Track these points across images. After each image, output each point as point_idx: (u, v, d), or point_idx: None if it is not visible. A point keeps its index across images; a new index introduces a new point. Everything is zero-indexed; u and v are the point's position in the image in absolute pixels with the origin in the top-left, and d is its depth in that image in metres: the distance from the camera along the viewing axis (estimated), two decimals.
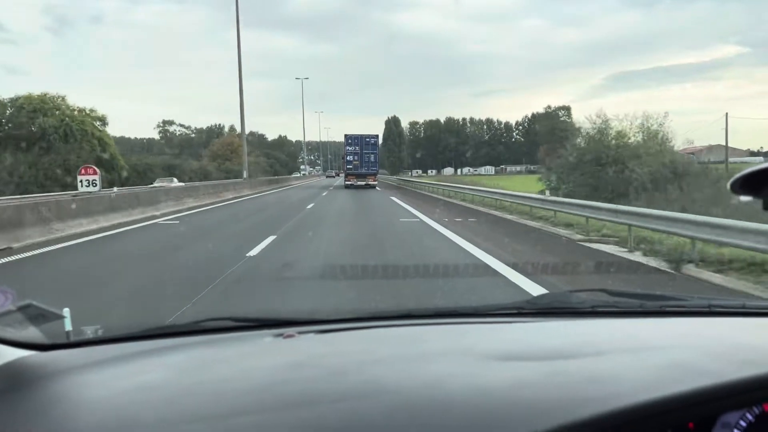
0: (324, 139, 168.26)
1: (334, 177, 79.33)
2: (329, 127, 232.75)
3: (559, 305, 1.57)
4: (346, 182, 39.81)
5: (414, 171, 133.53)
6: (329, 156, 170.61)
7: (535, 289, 6.02)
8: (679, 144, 30.87)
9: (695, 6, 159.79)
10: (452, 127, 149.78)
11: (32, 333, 1.17)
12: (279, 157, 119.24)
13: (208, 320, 1.43)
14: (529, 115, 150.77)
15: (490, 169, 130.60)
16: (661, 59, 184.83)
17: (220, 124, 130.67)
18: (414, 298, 5.82)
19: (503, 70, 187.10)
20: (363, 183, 38.51)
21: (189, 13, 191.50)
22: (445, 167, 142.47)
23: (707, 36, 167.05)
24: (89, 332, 1.32)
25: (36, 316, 1.17)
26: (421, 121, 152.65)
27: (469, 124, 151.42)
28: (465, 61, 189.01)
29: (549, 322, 1.49)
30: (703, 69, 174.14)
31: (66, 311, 1.25)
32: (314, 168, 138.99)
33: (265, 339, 1.32)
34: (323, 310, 3.95)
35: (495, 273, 7.40)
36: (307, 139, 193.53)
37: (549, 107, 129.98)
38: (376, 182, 39.62)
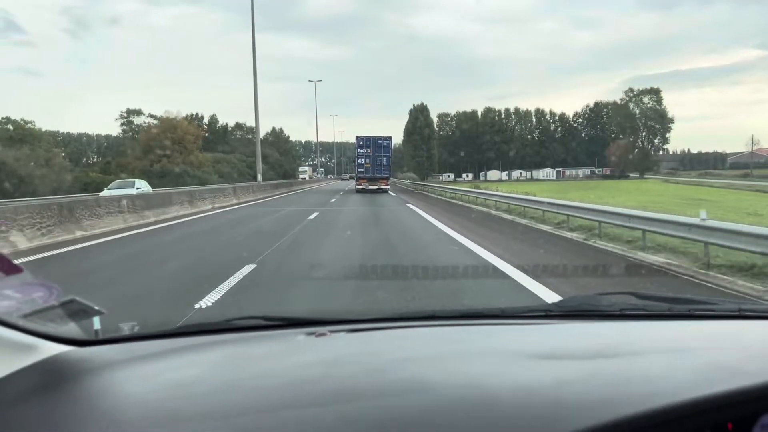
0: (335, 140, 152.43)
1: (348, 180, 68.59)
2: (343, 130, 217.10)
3: (588, 308, 1.55)
4: (357, 186, 36.58)
5: (445, 174, 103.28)
6: (342, 158, 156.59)
7: None
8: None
9: (713, 9, 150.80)
10: (492, 120, 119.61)
11: (73, 328, 1.20)
12: (271, 157, 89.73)
13: (240, 318, 1.44)
14: (591, 104, 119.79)
15: (550, 173, 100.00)
16: (680, 63, 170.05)
17: (197, 114, 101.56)
18: None
19: (518, 74, 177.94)
20: (375, 187, 35.54)
21: (204, 16, 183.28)
22: (485, 170, 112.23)
23: (726, 39, 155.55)
24: (126, 329, 1.36)
25: (77, 311, 1.19)
26: (452, 112, 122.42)
27: (513, 116, 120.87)
28: (480, 64, 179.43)
29: (579, 324, 1.47)
30: (723, 73, 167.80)
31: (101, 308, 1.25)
32: (316, 171, 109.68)
33: (297, 337, 1.34)
34: (353, 310, 3.43)
35: None
36: (317, 140, 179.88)
37: (631, 90, 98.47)
38: (388, 186, 36.69)
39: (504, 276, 6.88)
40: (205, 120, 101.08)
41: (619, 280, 7.44)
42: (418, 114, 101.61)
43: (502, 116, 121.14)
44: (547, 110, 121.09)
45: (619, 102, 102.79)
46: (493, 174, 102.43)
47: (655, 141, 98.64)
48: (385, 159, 37.16)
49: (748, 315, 1.46)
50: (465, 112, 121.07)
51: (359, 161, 37.13)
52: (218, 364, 1.16)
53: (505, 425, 0.83)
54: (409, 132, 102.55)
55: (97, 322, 1.27)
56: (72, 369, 1.09)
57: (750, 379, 0.91)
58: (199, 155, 56.94)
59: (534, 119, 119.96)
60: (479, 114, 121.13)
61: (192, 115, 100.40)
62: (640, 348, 1.19)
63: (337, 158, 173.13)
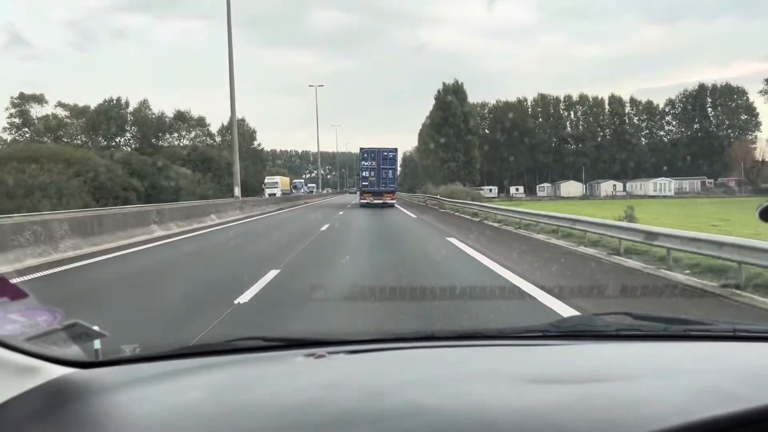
0: (339, 151, 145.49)
1: (355, 194, 52.74)
2: (347, 143, 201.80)
3: (584, 328, 1.56)
4: (362, 200, 33.65)
5: (486, 188, 69.24)
6: (343, 170, 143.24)
7: None
8: None
9: (719, 22, 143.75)
10: (548, 111, 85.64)
11: (75, 351, 1.22)
12: (219, 162, 55.71)
13: (240, 339, 1.45)
14: (689, 89, 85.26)
15: (664, 186, 65.39)
16: (686, 76, 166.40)
17: (117, 98, 67.82)
18: None
19: (524, 86, 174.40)
20: (380, 201, 32.69)
21: (209, 30, 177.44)
22: (547, 181, 78.20)
23: (732, 52, 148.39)
24: (127, 351, 1.36)
25: (80, 334, 1.21)
26: (491, 102, 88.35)
27: (578, 107, 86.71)
28: (486, 78, 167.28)
29: (576, 346, 1.47)
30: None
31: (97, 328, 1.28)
32: (299, 187, 74.41)
33: (296, 359, 1.34)
34: (351, 331, 3.19)
35: None
36: (316, 151, 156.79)
37: None
38: (394, 200, 34.03)
39: None
40: (132, 106, 67.40)
41: None
42: (451, 98, 67.18)
43: (561, 105, 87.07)
44: (625, 97, 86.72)
45: (733, 86, 68.40)
46: (570, 187, 68.10)
47: None
48: (390, 172, 34.19)
49: (744, 336, 1.46)
50: (508, 102, 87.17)
51: (363, 174, 34.05)
52: (218, 387, 1.16)
53: None
54: (436, 126, 68.15)
55: (97, 343, 1.26)
56: (74, 391, 1.09)
57: (742, 404, 0.91)
58: None
59: (608, 109, 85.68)
60: (529, 103, 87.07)
61: (109, 100, 67.11)
62: (636, 371, 1.19)
63: (339, 170, 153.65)
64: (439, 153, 65.77)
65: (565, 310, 5.26)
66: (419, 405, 0.98)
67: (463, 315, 5.26)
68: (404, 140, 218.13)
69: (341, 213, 26.56)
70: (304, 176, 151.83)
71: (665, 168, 73.23)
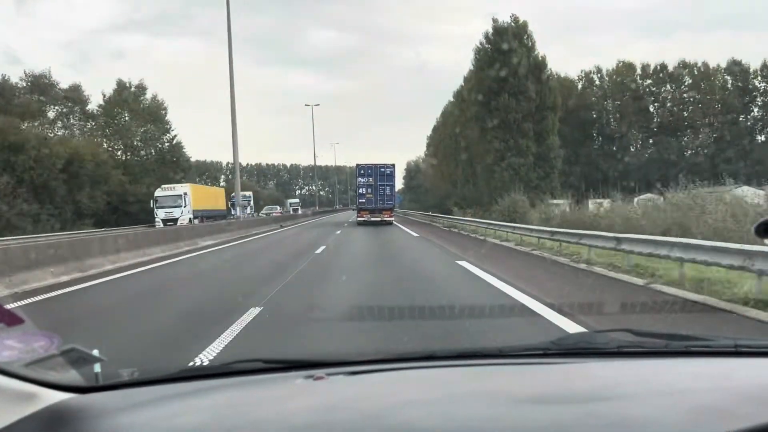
0: (331, 165, 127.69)
1: (354, 211, 47.51)
2: (337, 144, 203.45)
3: (585, 346, 1.57)
4: (359, 218, 32.84)
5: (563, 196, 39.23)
6: (337, 186, 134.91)
7: None
8: None
9: (711, 36, 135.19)
10: (629, 89, 57.95)
11: (73, 376, 1.22)
12: (21, 157, 27.40)
13: (238, 362, 1.46)
14: None
15: None
16: None
17: None
18: None
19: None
20: (378, 219, 31.57)
21: (210, 50, 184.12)
22: (629, 189, 48.63)
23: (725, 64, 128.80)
24: (125, 375, 1.36)
25: (77, 359, 1.21)
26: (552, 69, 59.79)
27: (684, 78, 58.75)
28: None
29: (576, 364, 1.48)
30: None
31: (95, 352, 1.28)
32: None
33: (295, 381, 1.35)
34: (350, 351, 3.31)
35: None
36: (307, 165, 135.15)
37: None
38: (392, 218, 32.89)
39: None
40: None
41: None
42: (509, 44, 38.50)
43: (648, 80, 58.96)
44: (752, 64, 58.40)
45: None
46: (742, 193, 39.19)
47: None
48: (388, 188, 32.85)
49: (745, 351, 1.47)
50: (567, 78, 58.95)
51: (360, 191, 32.88)
52: (218, 411, 1.16)
53: None
54: (480, 100, 39.29)
55: (97, 367, 1.26)
56: (73, 417, 1.09)
57: (742, 422, 0.91)
58: None
59: (722, 79, 57.30)
60: (602, 75, 59.06)
61: None
62: (636, 389, 1.20)
63: (333, 186, 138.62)
64: (493, 143, 37.10)
65: None
66: (418, 427, 0.99)
67: None
68: (403, 158, 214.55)
69: None
70: (296, 191, 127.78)
71: None
